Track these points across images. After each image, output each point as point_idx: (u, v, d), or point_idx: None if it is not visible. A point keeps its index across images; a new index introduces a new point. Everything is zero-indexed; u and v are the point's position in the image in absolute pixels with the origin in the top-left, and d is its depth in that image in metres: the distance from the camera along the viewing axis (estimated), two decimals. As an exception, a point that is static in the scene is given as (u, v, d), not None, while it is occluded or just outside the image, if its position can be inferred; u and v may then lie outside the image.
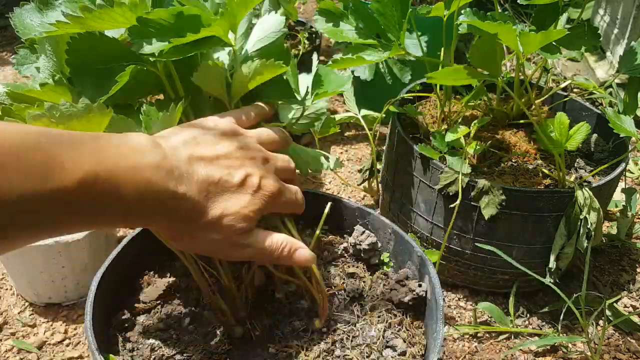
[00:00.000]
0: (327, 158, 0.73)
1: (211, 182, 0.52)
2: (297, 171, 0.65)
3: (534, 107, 1.11)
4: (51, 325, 0.92)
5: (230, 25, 0.58)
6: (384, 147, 1.12)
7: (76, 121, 0.51)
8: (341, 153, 1.47)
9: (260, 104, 0.64)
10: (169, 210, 0.49)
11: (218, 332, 0.62)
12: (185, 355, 0.59)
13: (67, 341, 0.90)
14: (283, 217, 0.62)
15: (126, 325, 0.63)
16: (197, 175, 0.51)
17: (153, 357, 0.58)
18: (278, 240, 0.56)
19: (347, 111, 1.17)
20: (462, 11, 0.87)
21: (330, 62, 0.77)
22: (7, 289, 0.98)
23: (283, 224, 0.62)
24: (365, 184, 1.23)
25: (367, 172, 1.20)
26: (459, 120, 1.04)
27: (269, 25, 0.64)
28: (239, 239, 0.54)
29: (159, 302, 0.65)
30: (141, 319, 0.63)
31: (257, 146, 0.57)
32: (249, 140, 0.57)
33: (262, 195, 0.55)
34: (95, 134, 0.47)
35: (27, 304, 0.95)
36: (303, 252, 0.57)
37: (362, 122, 1.12)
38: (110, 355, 0.57)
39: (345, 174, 1.39)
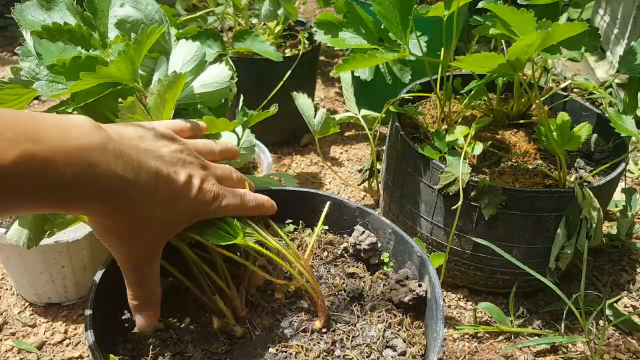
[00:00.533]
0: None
1: (161, 176, 0.51)
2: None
3: (534, 106, 1.11)
4: (51, 325, 0.92)
5: (131, 68, 0.60)
6: (384, 147, 1.12)
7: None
8: (341, 153, 1.47)
9: (194, 120, 0.65)
10: (109, 194, 0.47)
11: (218, 332, 0.62)
12: (185, 355, 0.59)
13: (67, 341, 0.90)
14: (255, 221, 0.62)
15: (126, 325, 0.63)
16: (146, 165, 0.50)
17: (153, 356, 0.58)
18: None
19: (347, 111, 1.17)
20: None
21: (340, 63, 0.77)
22: (7, 289, 0.98)
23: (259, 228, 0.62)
24: (365, 184, 1.23)
25: (367, 172, 1.20)
26: (459, 121, 1.04)
27: (214, 75, 0.68)
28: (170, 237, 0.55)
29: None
30: (141, 319, 0.63)
31: (194, 153, 0.58)
32: (185, 147, 0.57)
33: (202, 201, 0.55)
34: (33, 113, 0.46)
35: (27, 304, 0.95)
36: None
37: (362, 122, 1.12)
38: (111, 355, 0.57)
39: (345, 174, 1.39)
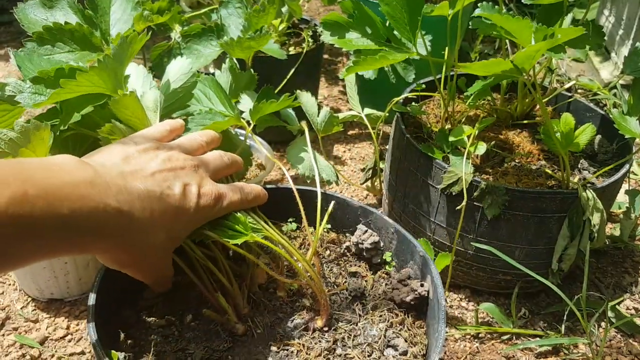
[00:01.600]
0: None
1: (153, 197, 0.51)
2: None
3: (538, 107, 1.10)
4: (53, 320, 0.92)
5: (113, 77, 0.62)
6: (387, 146, 1.12)
7: (21, 148, 0.55)
8: (344, 152, 1.47)
9: (171, 120, 0.65)
10: (109, 229, 0.47)
11: (220, 329, 0.62)
12: (187, 352, 0.59)
13: (69, 337, 0.90)
14: (248, 211, 0.62)
15: (128, 321, 0.63)
16: (137, 190, 0.50)
17: (155, 353, 0.59)
18: None
19: (351, 110, 1.17)
20: (479, 4, 0.86)
21: (350, 65, 0.77)
22: (9, 284, 0.99)
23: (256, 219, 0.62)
24: (368, 183, 1.23)
25: (370, 171, 1.20)
26: (463, 120, 1.04)
27: (176, 70, 0.71)
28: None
29: (161, 298, 0.65)
30: (143, 315, 0.64)
31: (182, 155, 0.57)
32: (172, 152, 0.56)
33: (204, 205, 0.55)
34: (17, 159, 0.46)
35: (29, 299, 0.95)
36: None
37: (366, 121, 1.12)
38: (112, 351, 0.57)
39: (348, 173, 1.39)
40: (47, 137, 0.55)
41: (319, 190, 0.73)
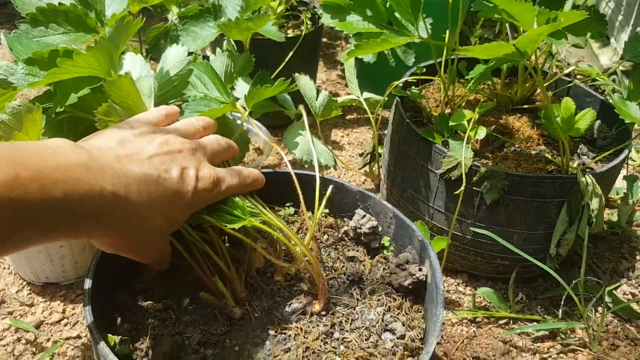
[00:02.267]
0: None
1: (150, 180, 0.50)
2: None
3: (538, 91, 1.10)
4: (49, 304, 0.92)
5: (108, 60, 0.62)
6: (386, 131, 1.11)
7: (15, 131, 0.53)
8: (342, 136, 1.46)
9: (166, 106, 0.64)
10: (105, 213, 0.46)
11: (217, 313, 0.62)
12: (184, 335, 0.59)
13: (65, 321, 0.89)
14: (246, 196, 0.62)
15: (125, 305, 0.62)
16: (133, 174, 0.49)
17: (152, 337, 0.58)
18: None
19: (349, 94, 1.16)
20: None
21: (352, 49, 0.76)
22: (4, 268, 0.98)
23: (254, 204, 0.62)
24: (366, 168, 1.22)
25: (368, 156, 1.19)
26: (463, 105, 1.03)
27: (172, 57, 0.71)
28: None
29: (157, 282, 0.65)
30: (140, 299, 0.63)
31: (179, 139, 0.56)
32: (169, 135, 0.55)
33: (202, 189, 0.54)
34: (10, 142, 0.45)
35: (24, 283, 0.95)
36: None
37: (365, 105, 1.11)
38: (109, 335, 0.57)
39: (346, 158, 1.38)
40: (39, 119, 0.54)
41: (317, 174, 0.73)
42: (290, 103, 0.92)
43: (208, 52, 1.23)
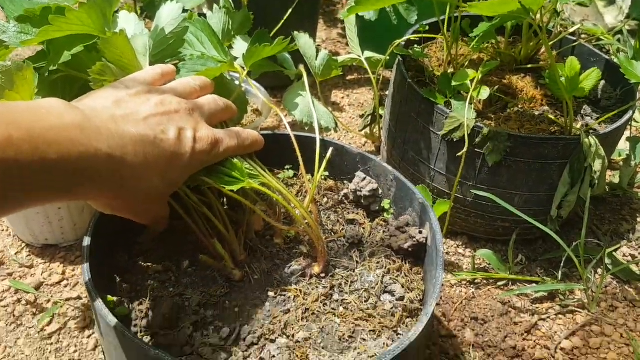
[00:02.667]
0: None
1: (147, 141, 0.49)
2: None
3: (543, 51, 1.07)
4: (49, 266, 0.92)
5: (101, 18, 0.60)
6: (387, 92, 1.09)
7: (6, 90, 0.52)
8: (342, 98, 1.44)
9: (162, 65, 0.62)
10: (100, 175, 0.45)
11: (217, 275, 0.61)
12: (184, 297, 0.59)
13: (65, 282, 0.90)
14: (245, 157, 0.60)
15: (124, 267, 0.62)
16: (129, 135, 0.47)
17: (151, 298, 0.58)
18: None
19: (350, 53, 1.13)
20: None
21: (352, 5, 0.73)
22: (3, 230, 0.98)
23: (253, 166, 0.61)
24: (367, 129, 1.20)
25: (369, 118, 1.18)
26: (466, 64, 1.01)
27: (167, 14, 0.69)
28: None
29: (156, 244, 0.65)
30: (139, 261, 0.63)
31: (175, 99, 0.54)
32: (165, 95, 0.54)
33: (200, 150, 0.53)
34: (2, 103, 0.44)
35: (23, 245, 0.95)
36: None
37: (366, 65, 1.09)
38: (108, 296, 0.57)
39: (346, 120, 1.36)
40: (30, 77, 0.53)
41: (317, 136, 0.71)
42: (290, 63, 0.90)
43: (205, 10, 1.20)
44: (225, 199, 0.67)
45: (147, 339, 0.55)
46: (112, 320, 0.51)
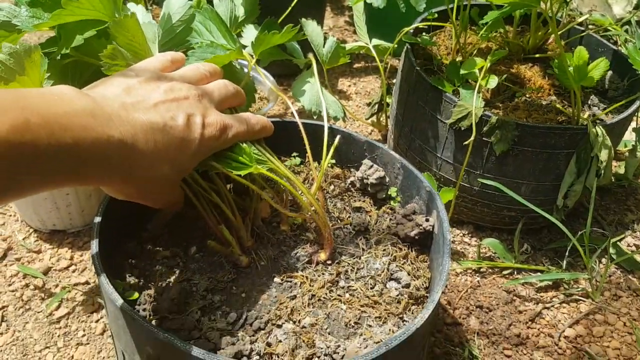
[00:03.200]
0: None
1: (156, 128, 0.49)
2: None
3: (551, 40, 1.07)
4: (57, 251, 0.92)
5: (112, 3, 0.61)
6: (395, 80, 1.09)
7: (16, 74, 0.53)
8: (349, 86, 1.43)
9: (172, 52, 0.61)
10: (112, 161, 0.46)
11: (224, 261, 0.62)
12: (191, 282, 0.59)
13: (73, 267, 0.90)
14: (253, 143, 0.61)
15: (133, 252, 0.63)
16: (139, 122, 0.48)
17: (160, 283, 0.59)
18: None
19: (357, 41, 1.13)
20: None
21: None
22: (11, 215, 0.99)
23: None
24: (374, 118, 1.20)
25: (376, 106, 1.17)
26: (474, 53, 1.00)
27: (175, 1, 0.68)
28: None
29: (165, 230, 0.65)
30: (148, 246, 0.63)
31: (185, 85, 0.54)
32: (174, 82, 0.54)
33: (209, 136, 0.53)
34: (15, 89, 0.44)
35: (31, 230, 0.96)
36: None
37: (373, 52, 1.08)
38: (117, 280, 0.58)
39: (353, 108, 1.36)
40: (39, 60, 0.53)
41: (325, 124, 0.71)
42: (299, 51, 0.90)
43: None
44: (231, 186, 0.67)
45: (155, 322, 0.56)
46: (121, 303, 0.52)
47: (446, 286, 0.92)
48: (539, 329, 0.87)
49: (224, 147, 0.56)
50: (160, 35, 0.65)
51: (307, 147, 0.70)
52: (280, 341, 0.54)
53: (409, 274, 0.63)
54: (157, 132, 0.49)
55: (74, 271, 0.90)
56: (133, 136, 0.47)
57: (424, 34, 1.05)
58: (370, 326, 0.57)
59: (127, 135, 0.46)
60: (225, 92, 0.59)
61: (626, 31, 1.60)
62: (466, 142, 0.85)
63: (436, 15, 1.04)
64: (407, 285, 0.62)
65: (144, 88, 0.52)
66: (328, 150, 0.71)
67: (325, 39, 0.82)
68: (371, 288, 0.61)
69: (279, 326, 0.56)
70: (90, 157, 0.44)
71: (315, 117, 0.78)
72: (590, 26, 1.41)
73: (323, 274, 0.62)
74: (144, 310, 0.57)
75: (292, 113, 0.73)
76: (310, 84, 0.79)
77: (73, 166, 0.43)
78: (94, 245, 0.56)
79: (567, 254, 0.94)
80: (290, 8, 1.16)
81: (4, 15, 0.60)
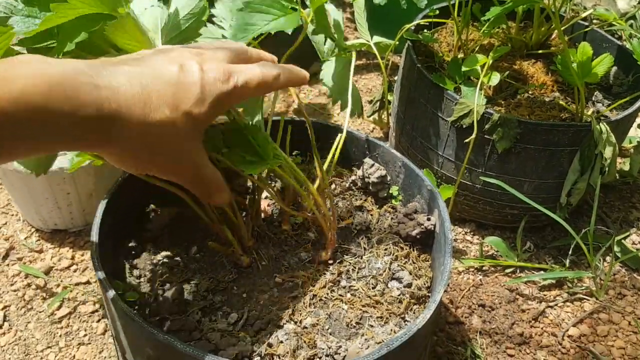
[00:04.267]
0: None
1: (145, 74, 0.45)
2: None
3: (554, 36, 1.06)
4: (58, 251, 0.92)
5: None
6: (396, 78, 1.08)
7: None
8: (350, 83, 1.43)
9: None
10: (104, 111, 0.42)
11: (225, 261, 0.61)
12: (192, 282, 0.59)
13: (74, 267, 0.90)
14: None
15: (133, 252, 0.62)
16: (123, 70, 0.44)
17: (160, 283, 0.58)
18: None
19: (358, 38, 1.12)
20: None
21: None
22: (13, 215, 0.98)
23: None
24: (375, 115, 1.20)
25: (378, 104, 1.17)
26: (476, 49, 1.00)
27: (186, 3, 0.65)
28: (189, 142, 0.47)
29: (166, 230, 0.65)
30: (148, 246, 0.63)
31: (193, 50, 0.49)
32: (180, 48, 0.50)
33: (212, 79, 0.47)
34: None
35: (33, 229, 0.95)
36: None
37: (374, 50, 1.07)
38: (117, 281, 0.57)
39: (354, 105, 1.35)
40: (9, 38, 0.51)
41: (347, 120, 0.68)
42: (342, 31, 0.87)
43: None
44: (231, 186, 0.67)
45: (156, 323, 0.55)
46: (121, 304, 0.51)
47: (448, 285, 0.91)
48: (542, 328, 0.86)
49: (241, 95, 0.49)
50: (163, 21, 0.62)
51: (313, 144, 0.68)
52: (281, 342, 0.54)
53: (410, 274, 0.62)
54: (145, 76, 0.45)
55: (75, 271, 0.90)
56: (114, 80, 0.43)
57: (425, 30, 1.04)
58: (371, 326, 0.57)
59: (106, 81, 0.43)
60: (242, 51, 0.53)
61: (631, 26, 1.59)
62: (467, 140, 0.85)
63: (437, 11, 1.03)
64: (409, 285, 0.61)
65: (150, 55, 0.49)
66: (337, 147, 0.69)
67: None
68: (373, 288, 0.61)
69: (280, 327, 0.55)
70: (84, 120, 0.41)
71: (333, 105, 0.75)
72: (594, 21, 1.40)
73: (324, 273, 0.61)
74: (144, 311, 0.56)
75: (294, 110, 0.73)
76: (343, 71, 0.76)
77: (71, 126, 0.41)
78: (94, 245, 0.56)
79: (570, 252, 0.93)
80: (291, 5, 1.15)
81: (1, 10, 0.59)
